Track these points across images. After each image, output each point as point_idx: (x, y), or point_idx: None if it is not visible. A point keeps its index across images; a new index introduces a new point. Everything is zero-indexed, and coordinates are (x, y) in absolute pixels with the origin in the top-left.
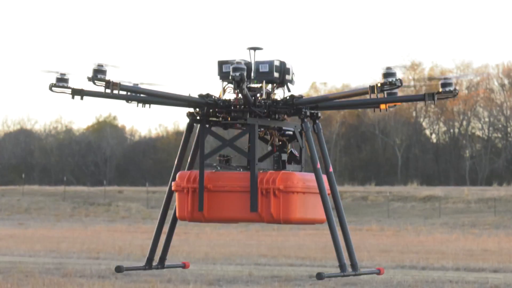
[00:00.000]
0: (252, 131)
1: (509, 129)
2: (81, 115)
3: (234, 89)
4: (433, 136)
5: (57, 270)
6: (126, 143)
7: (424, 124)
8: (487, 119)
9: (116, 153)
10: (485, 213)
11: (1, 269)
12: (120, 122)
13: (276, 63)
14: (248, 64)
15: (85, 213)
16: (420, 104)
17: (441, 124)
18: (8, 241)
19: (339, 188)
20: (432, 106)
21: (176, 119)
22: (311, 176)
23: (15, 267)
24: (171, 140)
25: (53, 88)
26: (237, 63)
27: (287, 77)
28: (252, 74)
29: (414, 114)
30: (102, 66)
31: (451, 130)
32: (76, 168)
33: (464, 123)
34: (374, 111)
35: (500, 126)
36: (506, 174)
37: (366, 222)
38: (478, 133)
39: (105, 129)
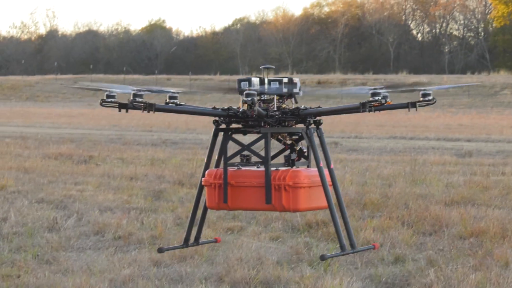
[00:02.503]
0: (266, 138)
1: (479, 30)
2: (137, 19)
3: (248, 109)
4: (419, 35)
5: (118, 139)
6: (173, 41)
7: (411, 25)
8: (462, 22)
9: (164, 50)
10: (460, 96)
11: (74, 139)
12: (168, 24)
13: (285, 80)
14: (262, 80)
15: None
16: (409, 9)
17: (425, 26)
18: (79, 118)
19: (343, 76)
20: (419, 11)
21: (213, 22)
22: (315, 171)
23: (85, 137)
24: (208, 39)
25: (103, 104)
26: (249, 89)
27: (295, 90)
28: (266, 88)
29: (403, 17)
30: (140, 90)
31: (433, 31)
32: (133, 62)
33: (444, 24)
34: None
35: (472, 27)
36: (477, 66)
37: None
38: (455, 33)
39: (156, 30)
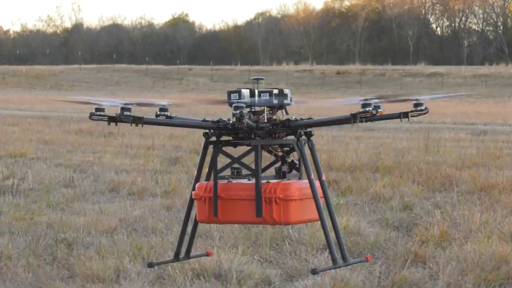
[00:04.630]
0: (256, 150)
1: (498, 23)
2: (160, 13)
3: (236, 122)
4: (438, 29)
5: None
6: (195, 35)
7: (431, 19)
8: (481, 16)
9: (187, 43)
10: (478, 86)
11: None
12: (191, 18)
13: (275, 91)
14: (253, 92)
15: (162, 85)
16: (429, 3)
17: (445, 20)
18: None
19: (363, 66)
20: (438, 5)
21: (235, 16)
22: (307, 184)
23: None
24: (230, 32)
25: (92, 117)
26: (237, 102)
27: (285, 101)
28: (256, 100)
29: (423, 11)
30: (127, 104)
31: (453, 25)
32: (156, 55)
33: (463, 18)
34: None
35: (491, 21)
36: (495, 59)
37: (383, 93)
38: (474, 27)
39: (179, 23)
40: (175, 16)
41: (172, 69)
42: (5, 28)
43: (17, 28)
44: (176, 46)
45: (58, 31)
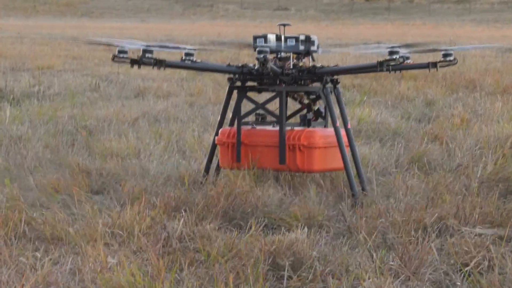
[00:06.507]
0: (281, 96)
1: None
2: None
3: (260, 67)
4: None
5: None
6: None
7: None
8: None
9: None
10: (505, 12)
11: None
12: None
13: (302, 37)
14: (279, 37)
15: (193, 12)
16: None
17: None
18: (132, 30)
19: None
20: None
21: None
22: (332, 132)
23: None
24: None
25: (115, 59)
26: (261, 46)
27: (312, 48)
28: (282, 46)
29: None
30: (149, 46)
31: None
32: None
33: None
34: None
35: None
36: None
37: (412, 19)
38: None
39: None
40: None
41: None
42: None
43: None
44: None
45: None
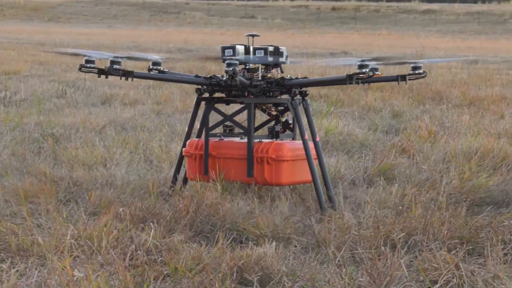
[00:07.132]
0: (249, 108)
1: None
2: None
3: (229, 79)
4: None
5: (134, 47)
6: None
7: None
8: None
9: None
10: (470, 24)
11: (91, 46)
12: None
13: (271, 49)
14: (248, 49)
15: (159, 19)
16: None
17: None
18: (99, 36)
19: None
20: None
21: None
22: (300, 144)
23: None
24: None
25: (82, 69)
26: (230, 58)
27: (281, 59)
28: (251, 57)
29: None
30: (117, 57)
31: None
32: None
33: None
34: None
35: None
36: None
37: (378, 29)
38: None
39: None
40: None
41: (169, 3)
42: None
43: None
44: None
45: None
